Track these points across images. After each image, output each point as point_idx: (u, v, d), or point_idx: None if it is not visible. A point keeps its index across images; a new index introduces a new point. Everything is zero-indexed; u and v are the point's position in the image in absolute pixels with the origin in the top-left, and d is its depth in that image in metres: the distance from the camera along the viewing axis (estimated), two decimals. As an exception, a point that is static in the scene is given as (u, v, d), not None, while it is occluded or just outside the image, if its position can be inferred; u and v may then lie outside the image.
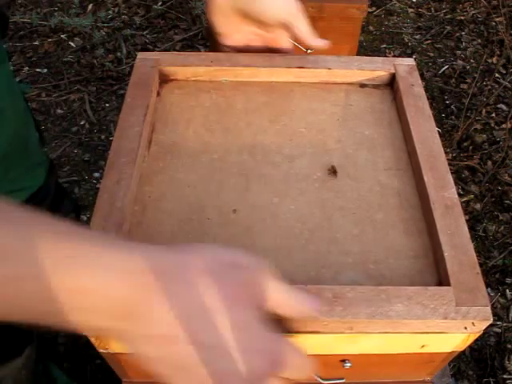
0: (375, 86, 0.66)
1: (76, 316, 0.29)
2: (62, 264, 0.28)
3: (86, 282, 0.28)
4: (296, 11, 0.60)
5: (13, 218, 0.29)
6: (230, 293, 0.33)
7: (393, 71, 0.64)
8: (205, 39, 1.94)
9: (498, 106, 1.76)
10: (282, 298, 0.37)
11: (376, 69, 0.64)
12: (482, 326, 0.43)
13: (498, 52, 1.94)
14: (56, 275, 0.28)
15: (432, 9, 2.16)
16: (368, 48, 1.98)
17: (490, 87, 1.80)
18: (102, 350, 0.49)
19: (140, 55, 0.64)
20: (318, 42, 0.62)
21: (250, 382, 0.34)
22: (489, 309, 0.43)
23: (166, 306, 0.31)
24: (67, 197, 0.90)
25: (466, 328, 0.43)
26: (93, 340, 0.47)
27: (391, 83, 0.65)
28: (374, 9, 2.13)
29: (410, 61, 0.65)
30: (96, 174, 1.55)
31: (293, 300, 0.38)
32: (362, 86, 0.65)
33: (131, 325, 0.31)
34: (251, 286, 0.35)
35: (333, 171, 0.54)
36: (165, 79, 0.64)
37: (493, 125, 1.70)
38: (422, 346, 0.48)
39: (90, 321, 0.30)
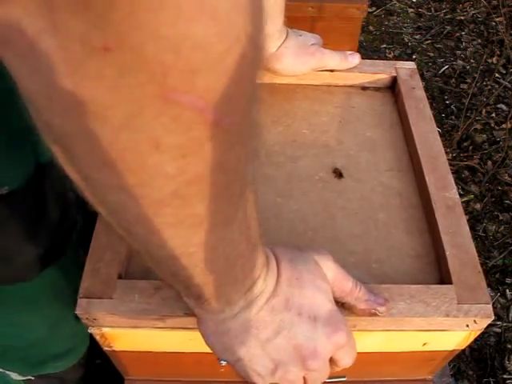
0: (377, 89, 0.66)
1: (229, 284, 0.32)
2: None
3: (256, 260, 0.33)
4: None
5: None
6: (307, 267, 0.37)
7: (394, 74, 0.65)
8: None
9: (498, 106, 1.76)
10: (339, 277, 0.39)
11: (377, 72, 0.65)
12: (483, 323, 0.44)
13: (498, 52, 1.95)
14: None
15: (432, 9, 2.17)
16: (368, 48, 1.98)
17: (489, 87, 1.80)
18: (106, 348, 0.49)
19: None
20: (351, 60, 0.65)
21: (326, 357, 0.37)
22: (490, 306, 0.44)
23: (269, 278, 0.35)
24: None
25: (467, 326, 0.44)
26: (98, 338, 0.47)
27: (392, 86, 0.66)
28: (374, 9, 2.14)
29: (411, 64, 0.66)
30: (97, 174, 1.55)
31: (350, 282, 0.40)
32: (364, 88, 0.66)
33: (244, 299, 0.34)
34: (320, 263, 0.38)
35: (338, 173, 0.55)
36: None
37: (493, 125, 1.71)
38: (424, 344, 0.48)
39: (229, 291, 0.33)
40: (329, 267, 0.39)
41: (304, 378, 0.38)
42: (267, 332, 0.35)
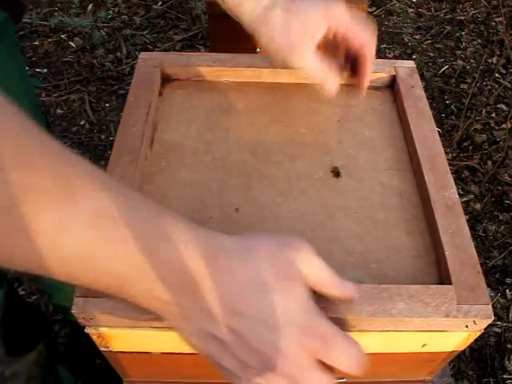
0: (376, 88, 0.66)
1: (147, 284, 0.31)
2: (154, 236, 0.31)
3: (169, 254, 0.31)
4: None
5: (122, 190, 0.32)
6: (282, 271, 0.36)
7: (393, 73, 0.65)
8: (205, 39, 1.94)
9: (498, 106, 1.76)
10: (325, 276, 0.39)
11: (377, 71, 0.65)
12: (483, 324, 0.43)
13: (498, 52, 1.94)
14: (147, 244, 0.30)
15: (432, 9, 2.16)
16: (368, 48, 1.97)
17: (490, 87, 1.80)
18: (103, 349, 0.49)
19: (142, 55, 0.64)
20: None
21: (298, 360, 0.35)
22: (490, 307, 0.43)
23: (227, 280, 0.34)
24: None
25: (467, 326, 0.44)
26: (95, 338, 0.47)
27: (392, 85, 0.66)
28: (374, 9, 2.13)
29: (411, 63, 0.66)
30: (96, 174, 1.55)
31: (335, 279, 0.40)
32: (363, 86, 0.66)
33: (191, 298, 0.33)
34: (299, 264, 0.37)
35: (336, 172, 0.55)
36: (167, 79, 0.65)
37: (493, 125, 1.71)
38: (424, 345, 0.48)
39: (156, 291, 0.32)
40: (310, 265, 0.38)
41: None
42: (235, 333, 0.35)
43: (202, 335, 0.36)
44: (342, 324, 0.44)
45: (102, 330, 0.45)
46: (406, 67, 0.65)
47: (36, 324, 0.79)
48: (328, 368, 0.37)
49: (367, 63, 0.57)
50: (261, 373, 0.36)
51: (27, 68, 1.82)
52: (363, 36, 0.55)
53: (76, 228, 0.28)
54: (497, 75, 1.85)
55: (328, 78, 0.56)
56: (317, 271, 0.39)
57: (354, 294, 0.41)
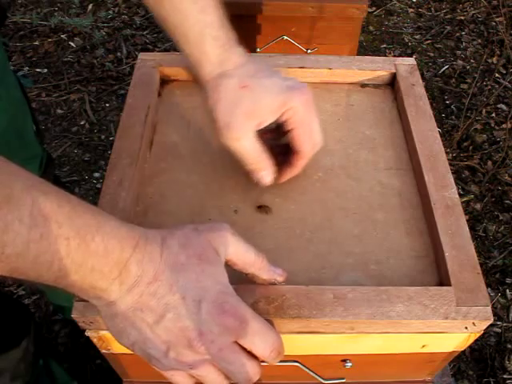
0: (376, 86, 0.66)
1: (81, 273, 0.34)
2: (89, 230, 0.34)
3: (100, 246, 0.34)
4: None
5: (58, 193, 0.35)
6: (196, 251, 0.38)
7: (393, 71, 0.64)
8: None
9: (498, 106, 1.76)
10: (240, 251, 0.41)
11: (377, 69, 0.64)
12: (482, 325, 0.43)
13: (498, 52, 1.94)
14: (84, 239, 0.34)
15: (432, 9, 2.16)
16: (368, 48, 1.98)
17: (490, 87, 1.80)
18: (104, 351, 0.49)
19: (141, 56, 0.64)
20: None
21: (219, 340, 0.37)
22: (489, 309, 0.43)
23: (148, 265, 0.37)
24: (65, 190, 0.90)
25: (466, 328, 0.43)
26: (95, 341, 0.47)
27: (392, 83, 0.65)
28: (374, 9, 2.13)
29: (411, 60, 0.65)
30: (96, 174, 1.55)
31: (257, 258, 0.42)
32: (363, 85, 0.66)
33: (117, 284, 0.36)
34: (216, 244, 0.39)
35: (265, 211, 0.53)
36: (166, 80, 0.64)
37: (493, 125, 1.70)
38: (423, 346, 0.48)
39: (89, 279, 0.35)
40: (227, 244, 0.40)
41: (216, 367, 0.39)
42: (153, 315, 0.36)
43: (128, 321, 0.37)
44: (334, 327, 0.44)
45: (103, 333, 0.45)
46: (406, 65, 0.65)
47: (19, 320, 0.79)
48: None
49: (294, 167, 0.53)
50: (181, 356, 0.37)
51: (27, 68, 1.82)
52: (305, 145, 0.51)
53: (19, 228, 0.31)
54: (497, 75, 1.85)
55: (264, 168, 0.51)
56: (235, 250, 0.40)
57: (280, 277, 0.44)
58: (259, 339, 0.38)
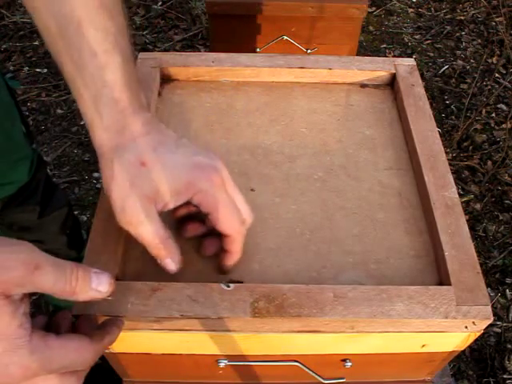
0: (376, 86, 0.66)
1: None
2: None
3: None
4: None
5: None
6: None
7: (393, 71, 0.64)
8: (205, 39, 1.94)
9: (498, 106, 1.76)
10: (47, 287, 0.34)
11: (376, 69, 0.64)
12: (482, 325, 0.43)
13: (498, 52, 1.94)
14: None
15: (432, 9, 2.16)
16: (368, 48, 1.98)
17: (490, 87, 1.80)
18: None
19: (141, 55, 0.64)
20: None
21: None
22: (489, 308, 0.43)
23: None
24: (58, 191, 0.91)
25: (466, 327, 0.43)
26: (94, 340, 0.47)
27: (392, 83, 0.65)
28: (373, 9, 2.13)
29: (411, 61, 0.65)
30: (96, 174, 1.55)
31: (61, 282, 0.34)
32: (363, 86, 0.66)
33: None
34: None
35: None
36: (166, 79, 0.64)
37: (493, 125, 1.71)
38: (423, 346, 0.48)
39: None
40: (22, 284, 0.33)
41: None
42: None
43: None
44: (334, 326, 0.44)
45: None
46: (405, 65, 0.65)
47: None
48: None
49: (231, 253, 0.45)
50: None
51: (27, 68, 1.82)
52: (230, 228, 0.43)
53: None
54: (497, 75, 1.85)
55: (166, 256, 0.43)
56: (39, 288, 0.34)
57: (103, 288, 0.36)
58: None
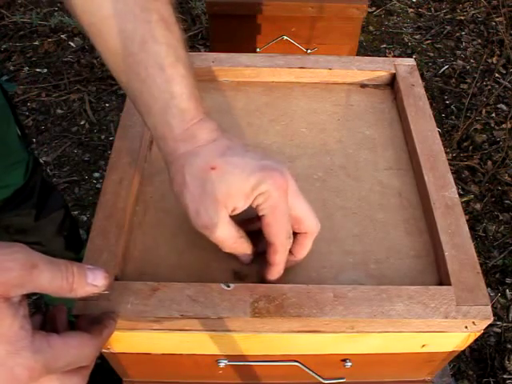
0: (376, 86, 0.66)
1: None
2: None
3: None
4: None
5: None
6: None
7: (393, 71, 0.64)
8: (205, 39, 1.94)
9: (498, 106, 1.76)
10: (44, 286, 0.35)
11: (376, 69, 0.64)
12: (482, 325, 0.43)
13: (498, 52, 1.94)
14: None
15: (432, 9, 2.16)
16: (368, 48, 1.98)
17: (490, 87, 1.80)
18: (104, 350, 0.49)
19: (141, 55, 0.64)
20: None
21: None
22: (489, 308, 0.43)
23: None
24: (55, 193, 0.90)
25: (466, 327, 0.43)
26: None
27: (392, 83, 0.65)
28: (374, 9, 2.13)
29: (411, 61, 0.65)
30: (96, 174, 1.55)
31: (58, 279, 0.35)
32: (363, 86, 0.66)
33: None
34: None
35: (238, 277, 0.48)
36: (166, 79, 0.64)
37: (493, 125, 1.71)
38: (423, 346, 0.48)
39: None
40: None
41: None
42: None
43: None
44: (334, 326, 0.44)
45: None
46: (405, 65, 0.65)
47: None
48: None
49: (272, 265, 0.44)
50: None
51: (27, 68, 1.82)
52: (277, 237, 0.43)
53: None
54: (497, 75, 1.85)
55: (241, 252, 0.46)
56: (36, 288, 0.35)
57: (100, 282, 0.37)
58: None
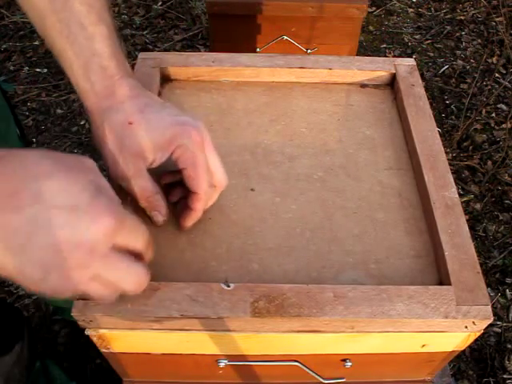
0: (376, 86, 0.66)
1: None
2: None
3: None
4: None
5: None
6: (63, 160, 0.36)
7: (393, 71, 0.64)
8: (205, 39, 1.94)
9: (498, 106, 1.76)
10: None
11: (376, 69, 0.64)
12: (482, 324, 0.43)
13: (498, 52, 1.94)
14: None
15: (432, 9, 2.16)
16: (368, 48, 1.98)
17: (490, 87, 1.80)
18: (103, 350, 0.49)
19: (141, 55, 0.64)
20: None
21: (97, 249, 0.35)
22: (489, 308, 0.43)
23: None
24: None
25: (466, 327, 0.43)
26: (95, 340, 0.47)
27: (392, 83, 0.65)
28: (374, 9, 2.13)
29: (411, 61, 0.65)
30: (96, 174, 1.55)
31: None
32: (363, 86, 0.66)
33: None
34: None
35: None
36: (166, 79, 0.64)
37: (493, 125, 1.70)
38: (423, 346, 0.48)
39: None
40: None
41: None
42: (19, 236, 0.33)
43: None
44: (334, 326, 0.44)
45: (102, 331, 0.45)
46: (405, 65, 0.65)
47: (12, 325, 0.79)
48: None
49: (193, 210, 0.48)
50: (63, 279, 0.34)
51: (27, 68, 1.82)
52: (199, 186, 0.46)
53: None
54: (497, 75, 1.85)
55: (155, 208, 0.48)
56: None
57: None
58: (135, 238, 0.38)
